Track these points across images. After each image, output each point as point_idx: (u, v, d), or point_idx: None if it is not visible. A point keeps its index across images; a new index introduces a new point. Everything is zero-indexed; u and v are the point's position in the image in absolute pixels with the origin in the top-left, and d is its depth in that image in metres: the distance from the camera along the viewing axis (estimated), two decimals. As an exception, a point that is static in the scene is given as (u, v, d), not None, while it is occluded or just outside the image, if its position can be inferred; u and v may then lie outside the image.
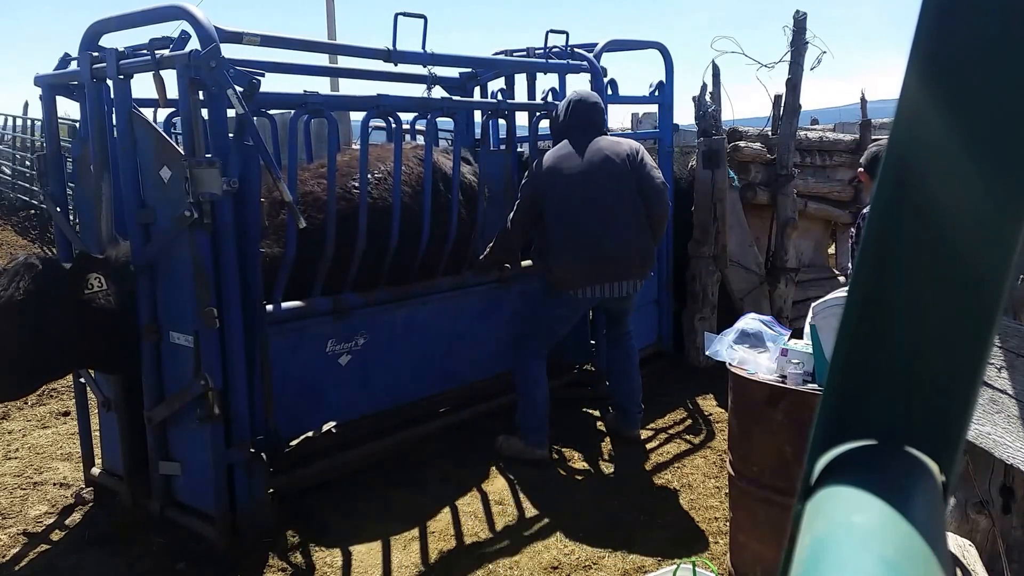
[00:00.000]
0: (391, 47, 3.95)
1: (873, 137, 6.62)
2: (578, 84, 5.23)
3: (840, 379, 0.41)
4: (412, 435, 4.17)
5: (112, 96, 3.32)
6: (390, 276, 4.04)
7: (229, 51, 3.26)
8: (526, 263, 4.78)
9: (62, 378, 4.12)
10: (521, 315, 4.48)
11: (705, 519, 3.58)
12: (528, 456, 4.13)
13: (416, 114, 4.89)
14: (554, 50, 4.98)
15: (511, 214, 4.21)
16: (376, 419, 4.05)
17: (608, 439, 4.48)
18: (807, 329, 2.71)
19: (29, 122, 12.88)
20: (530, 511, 3.67)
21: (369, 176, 3.91)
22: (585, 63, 4.96)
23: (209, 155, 3.09)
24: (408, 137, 5.00)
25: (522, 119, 4.83)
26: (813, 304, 2.65)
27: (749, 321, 2.92)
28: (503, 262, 4.55)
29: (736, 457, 2.85)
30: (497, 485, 3.92)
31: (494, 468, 4.08)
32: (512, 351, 4.31)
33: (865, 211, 4.03)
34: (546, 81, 5.91)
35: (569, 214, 4.00)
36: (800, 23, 5.61)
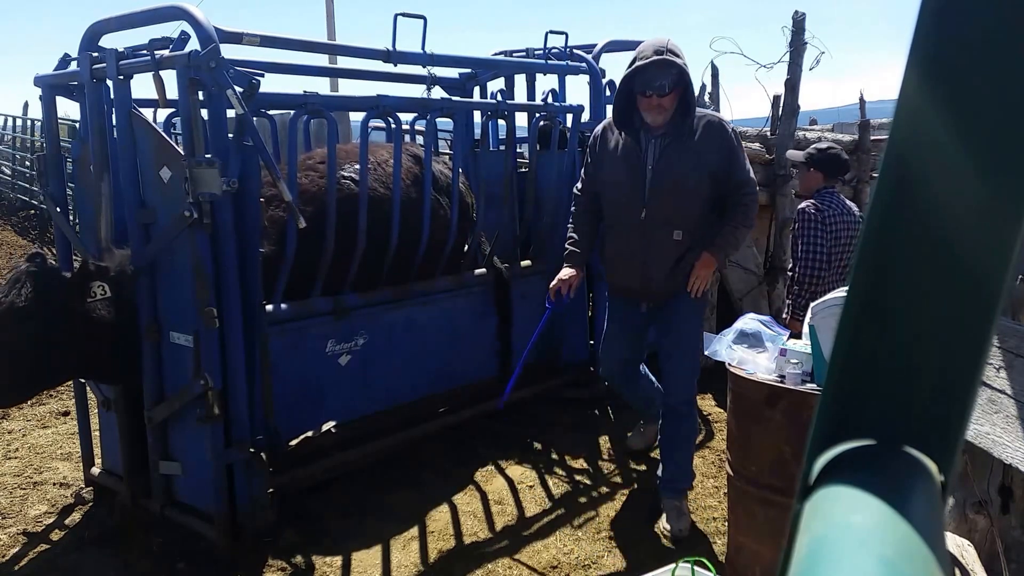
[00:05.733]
0: (391, 48, 3.95)
1: (872, 138, 6.63)
2: (577, 85, 5.25)
3: (839, 379, 0.41)
4: (412, 435, 4.17)
5: (112, 96, 3.32)
6: (375, 276, 4.03)
7: (229, 51, 3.27)
8: (525, 263, 4.79)
9: (59, 386, 4.12)
10: (697, 343, 3.52)
11: (704, 519, 3.58)
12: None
13: (416, 114, 4.89)
14: (553, 51, 4.98)
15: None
16: (376, 419, 4.05)
17: (607, 439, 4.48)
18: (806, 329, 2.71)
19: (29, 122, 12.88)
20: (530, 511, 3.67)
21: (344, 172, 3.90)
22: (584, 64, 4.96)
23: (209, 155, 3.09)
24: (408, 138, 5.00)
25: (522, 120, 4.83)
26: (812, 304, 2.66)
27: (748, 321, 2.93)
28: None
29: (735, 457, 2.85)
30: (497, 485, 3.92)
31: (494, 468, 4.09)
32: (692, 395, 3.56)
33: (803, 205, 3.99)
34: (545, 82, 5.91)
35: None
36: (799, 23, 5.61)
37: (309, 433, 3.67)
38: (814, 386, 2.57)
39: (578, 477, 4.02)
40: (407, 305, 4.14)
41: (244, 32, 3.38)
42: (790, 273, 4.26)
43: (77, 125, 4.86)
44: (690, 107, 3.25)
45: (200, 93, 3.14)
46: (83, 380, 3.76)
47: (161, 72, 3.24)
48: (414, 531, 3.47)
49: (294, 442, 3.63)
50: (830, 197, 4.02)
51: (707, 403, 5.03)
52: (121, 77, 3.24)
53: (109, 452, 3.79)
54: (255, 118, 3.34)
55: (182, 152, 3.12)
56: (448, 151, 5.97)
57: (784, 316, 4.33)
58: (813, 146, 4.23)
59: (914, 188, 0.38)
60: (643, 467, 4.13)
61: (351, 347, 3.89)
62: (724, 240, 3.38)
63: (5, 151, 13.19)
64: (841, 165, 4.09)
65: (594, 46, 5.18)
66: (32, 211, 11.60)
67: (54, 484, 3.98)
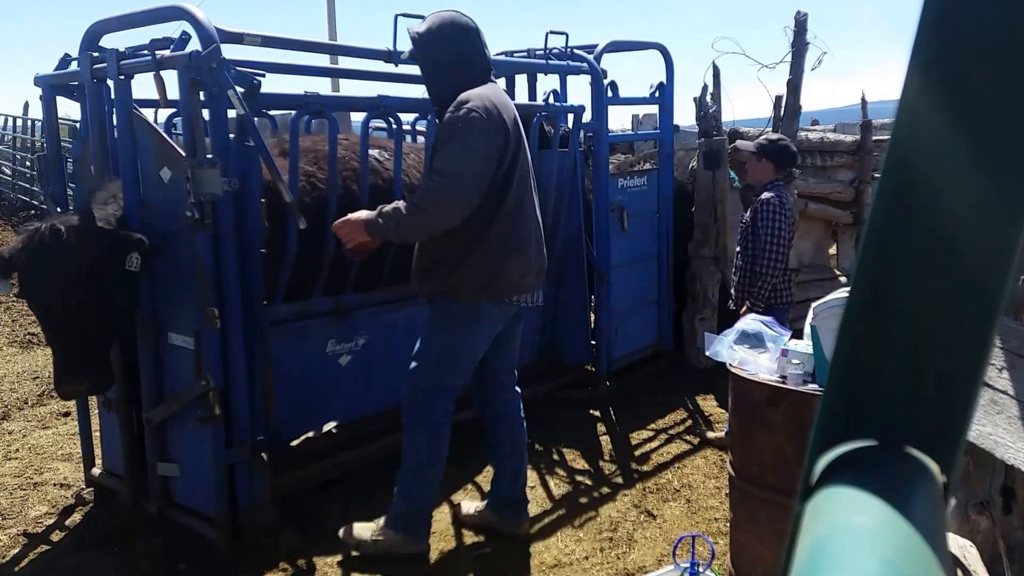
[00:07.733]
0: (392, 48, 3.95)
1: (874, 138, 6.63)
2: (579, 85, 5.25)
3: (840, 379, 0.41)
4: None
5: (112, 96, 3.32)
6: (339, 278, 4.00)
7: (230, 52, 3.26)
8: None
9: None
10: (432, 354, 3.12)
11: (705, 519, 3.58)
12: (409, 550, 3.21)
13: (417, 115, 4.89)
14: (554, 51, 4.98)
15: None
16: (376, 419, 4.05)
17: (608, 440, 4.48)
18: (807, 329, 2.71)
19: (29, 122, 12.90)
20: (530, 511, 3.66)
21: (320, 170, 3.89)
22: (585, 64, 4.96)
23: (210, 156, 3.09)
24: (408, 138, 5.00)
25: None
26: (813, 304, 2.65)
27: (749, 322, 2.92)
28: None
29: (736, 457, 2.85)
30: (497, 485, 3.91)
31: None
32: (419, 402, 3.12)
33: (766, 196, 4.04)
34: (546, 82, 5.91)
35: (513, 196, 3.05)
36: (801, 23, 5.61)
37: (310, 433, 3.67)
38: (816, 387, 2.57)
39: (578, 477, 4.02)
40: (408, 305, 4.14)
41: (245, 32, 3.38)
42: (738, 262, 4.32)
43: (77, 125, 4.87)
44: (432, 83, 3.14)
45: (201, 93, 3.15)
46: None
47: (162, 72, 3.25)
48: (415, 531, 3.46)
49: (295, 442, 3.63)
50: (781, 188, 4.18)
51: (708, 403, 5.03)
52: (122, 77, 3.24)
53: (110, 453, 3.79)
54: (256, 118, 3.34)
55: (183, 152, 3.12)
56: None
57: (735, 304, 4.32)
58: (764, 136, 4.40)
59: (916, 189, 0.38)
60: (644, 467, 4.13)
61: (352, 347, 3.89)
62: (386, 212, 2.94)
63: (5, 151, 13.21)
64: (790, 156, 4.24)
65: (595, 46, 5.18)
66: (32, 211, 11.61)
67: (55, 485, 3.98)
